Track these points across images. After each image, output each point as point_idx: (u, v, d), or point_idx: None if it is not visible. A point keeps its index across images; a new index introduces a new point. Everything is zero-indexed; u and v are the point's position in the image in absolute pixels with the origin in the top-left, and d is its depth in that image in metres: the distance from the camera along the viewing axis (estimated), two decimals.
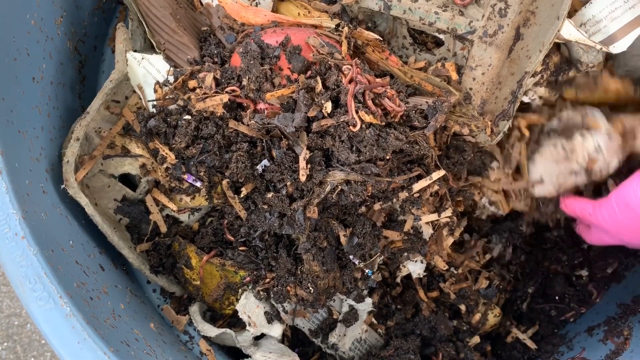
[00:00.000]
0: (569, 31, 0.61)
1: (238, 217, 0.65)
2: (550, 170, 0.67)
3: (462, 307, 0.71)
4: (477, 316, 0.71)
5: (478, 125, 0.65)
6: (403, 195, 0.63)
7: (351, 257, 0.64)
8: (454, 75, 0.67)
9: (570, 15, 0.65)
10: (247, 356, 0.64)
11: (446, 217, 0.67)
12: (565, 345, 0.75)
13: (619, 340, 0.67)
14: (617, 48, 0.63)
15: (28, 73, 0.59)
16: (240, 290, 0.65)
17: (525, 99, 0.68)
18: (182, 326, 0.66)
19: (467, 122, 0.66)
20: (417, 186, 0.63)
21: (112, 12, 0.77)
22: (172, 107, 0.63)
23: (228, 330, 0.65)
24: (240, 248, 0.65)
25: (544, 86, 0.67)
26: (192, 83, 0.63)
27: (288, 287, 0.63)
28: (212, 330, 0.65)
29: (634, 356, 0.64)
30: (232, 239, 0.65)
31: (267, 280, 0.64)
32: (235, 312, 0.65)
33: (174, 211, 0.67)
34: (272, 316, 0.65)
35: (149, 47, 0.70)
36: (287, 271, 0.63)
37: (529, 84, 0.67)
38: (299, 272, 0.64)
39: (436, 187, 0.65)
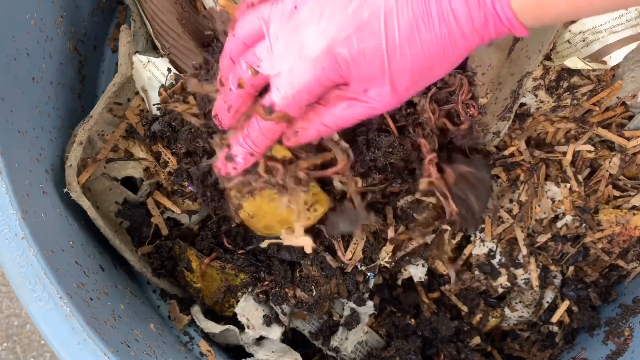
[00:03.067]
0: (575, 63, 0.62)
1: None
2: None
3: (464, 309, 0.71)
4: (478, 317, 0.71)
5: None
6: (403, 200, 0.63)
7: None
8: None
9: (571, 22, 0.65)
10: (249, 355, 0.64)
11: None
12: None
13: (619, 340, 0.67)
14: (613, 59, 0.64)
15: (28, 73, 0.59)
16: (240, 292, 0.65)
17: (524, 100, 0.68)
18: (182, 325, 0.66)
19: None
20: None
21: (112, 12, 0.77)
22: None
23: (232, 327, 0.64)
24: (240, 251, 0.65)
25: (544, 90, 0.67)
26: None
27: (286, 289, 0.63)
28: (215, 327, 0.64)
29: (635, 357, 0.64)
30: (230, 246, 0.65)
31: (266, 282, 0.64)
32: (235, 314, 0.65)
33: (176, 212, 0.66)
34: (271, 319, 0.65)
35: (151, 49, 0.70)
36: (285, 272, 0.63)
37: (528, 87, 0.67)
38: (297, 275, 0.63)
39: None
